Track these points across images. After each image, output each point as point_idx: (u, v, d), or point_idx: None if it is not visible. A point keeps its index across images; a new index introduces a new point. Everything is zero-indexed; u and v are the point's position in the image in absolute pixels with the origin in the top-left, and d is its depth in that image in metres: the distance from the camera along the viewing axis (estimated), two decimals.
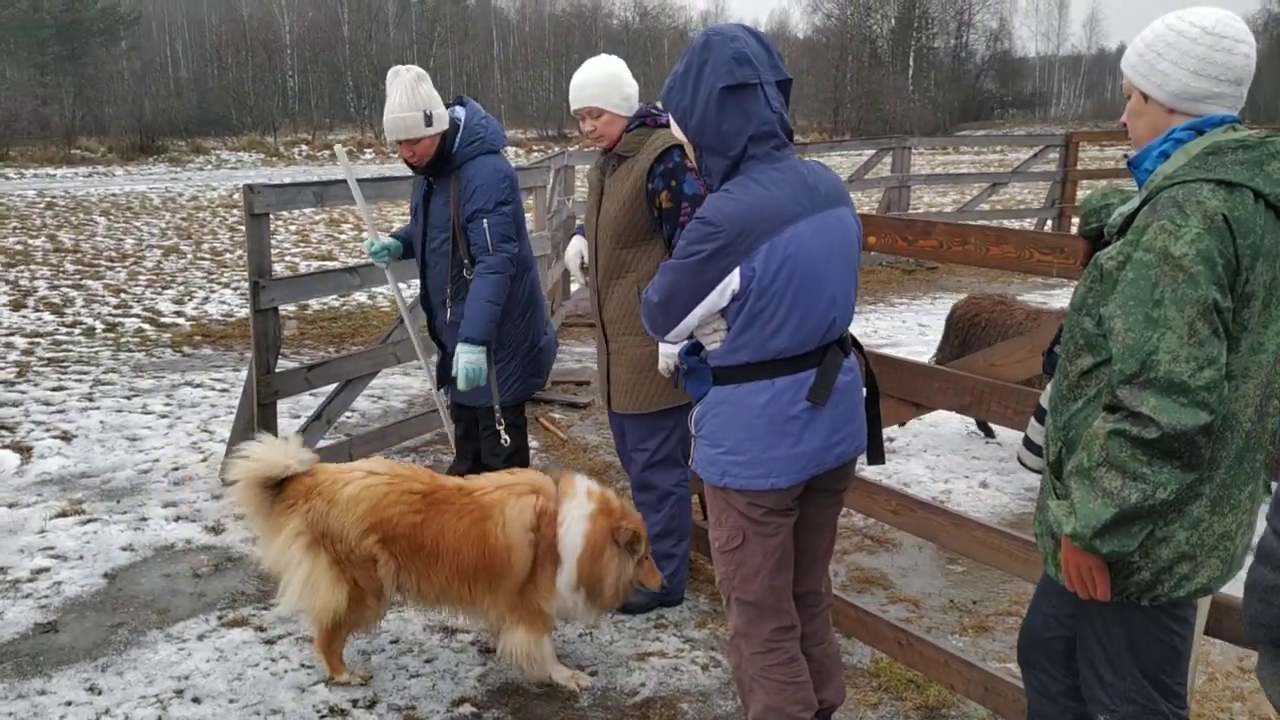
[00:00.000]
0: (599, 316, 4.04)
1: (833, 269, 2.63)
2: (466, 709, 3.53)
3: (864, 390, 2.87)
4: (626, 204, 3.85)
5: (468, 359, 4.09)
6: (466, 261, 4.20)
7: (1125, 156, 2.34)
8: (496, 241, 4.15)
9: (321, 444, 5.69)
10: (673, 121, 2.72)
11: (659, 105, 3.91)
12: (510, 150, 35.73)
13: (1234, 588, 3.66)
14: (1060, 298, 10.27)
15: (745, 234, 2.53)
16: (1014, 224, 13.72)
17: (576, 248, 4.17)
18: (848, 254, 2.69)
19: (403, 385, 7.59)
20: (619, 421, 4.17)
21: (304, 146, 35.55)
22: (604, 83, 3.87)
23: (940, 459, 6.06)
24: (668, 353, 3.73)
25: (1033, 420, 2.61)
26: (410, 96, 4.07)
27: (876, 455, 2.94)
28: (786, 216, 2.56)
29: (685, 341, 2.76)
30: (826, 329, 2.64)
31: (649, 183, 3.81)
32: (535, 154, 32.21)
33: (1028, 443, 2.61)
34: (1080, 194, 13.07)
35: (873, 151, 13.44)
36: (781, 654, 2.87)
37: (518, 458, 4.30)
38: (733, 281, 2.55)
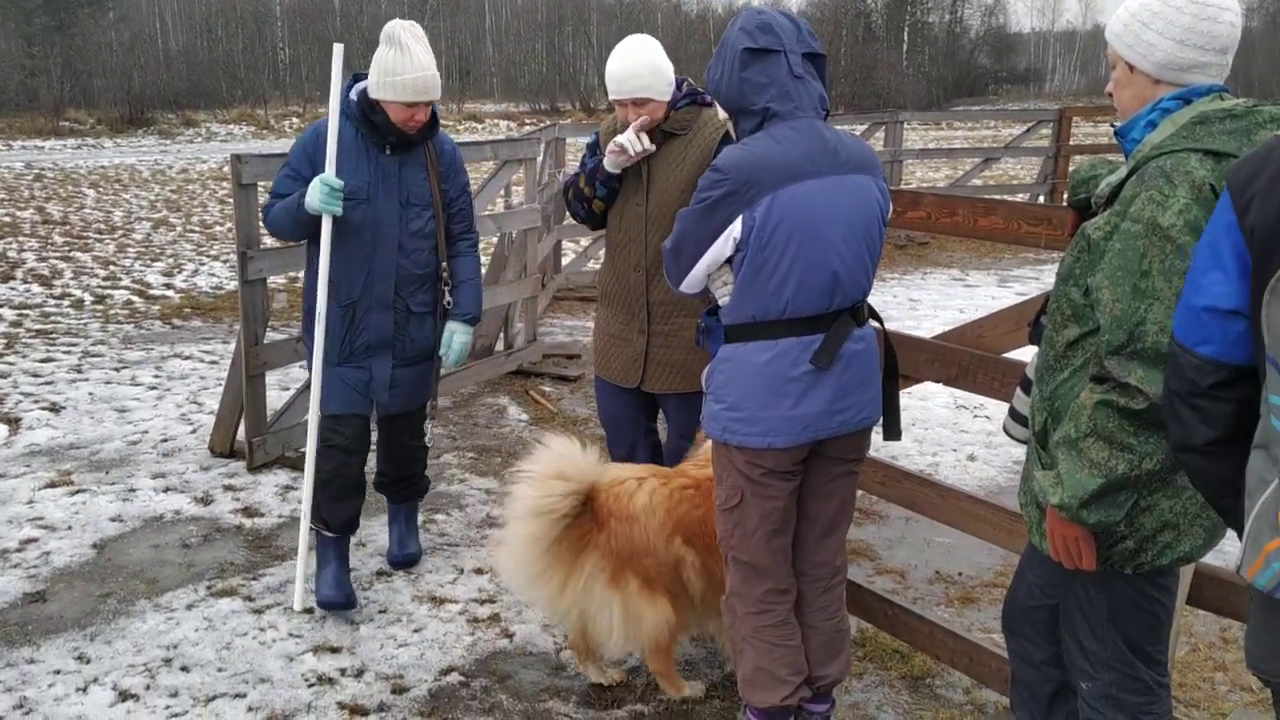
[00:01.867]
0: (645, 299, 3.79)
1: (838, 231, 2.65)
2: (454, 678, 3.54)
3: (881, 364, 2.89)
4: (690, 183, 3.54)
5: (467, 339, 4.02)
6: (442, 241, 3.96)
7: (1112, 126, 2.34)
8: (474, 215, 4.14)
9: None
10: (719, 109, 2.82)
11: (691, 81, 3.80)
12: (502, 123, 35.66)
13: (1216, 557, 3.69)
14: (1051, 270, 10.28)
15: (750, 183, 2.59)
16: (1006, 199, 13.71)
17: (628, 133, 3.68)
18: (861, 220, 2.70)
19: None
20: (631, 401, 3.94)
21: (295, 119, 35.28)
22: (651, 71, 3.59)
23: (929, 432, 6.08)
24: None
25: (1018, 391, 2.61)
26: (431, 54, 3.72)
27: (892, 431, 2.97)
28: (795, 172, 2.61)
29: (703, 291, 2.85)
30: (833, 293, 2.67)
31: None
32: (528, 127, 32.04)
33: (1013, 413, 2.62)
34: (1072, 168, 13.05)
35: (865, 126, 13.40)
36: (773, 616, 2.91)
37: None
38: (735, 229, 2.63)
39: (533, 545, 3.18)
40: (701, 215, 2.66)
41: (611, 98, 3.67)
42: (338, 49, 3.78)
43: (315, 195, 3.63)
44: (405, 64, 3.63)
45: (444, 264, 3.97)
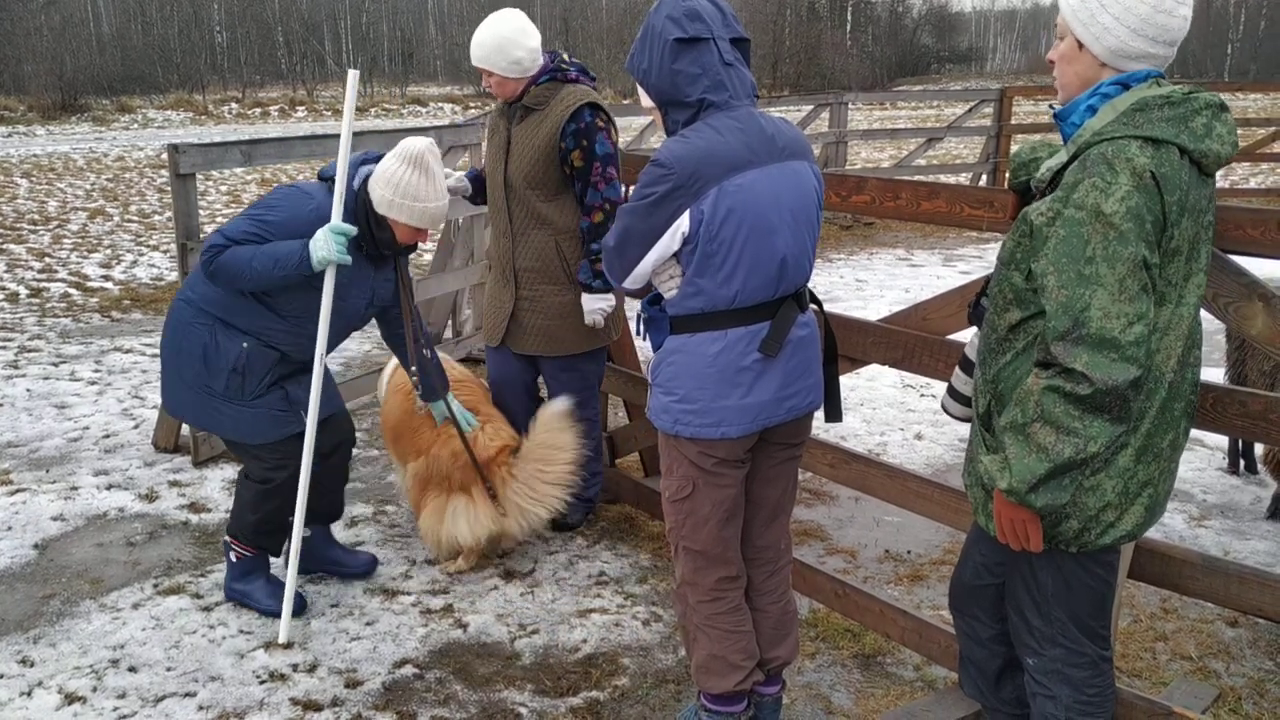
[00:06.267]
0: (511, 264, 4.13)
1: (784, 219, 2.64)
2: (408, 670, 3.53)
3: (821, 347, 2.90)
4: (540, 159, 3.95)
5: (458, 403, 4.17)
6: None
7: (1051, 107, 2.36)
8: None
9: None
10: (641, 94, 2.74)
11: (566, 57, 4.08)
12: (446, 107, 35.27)
13: (1156, 531, 3.77)
14: (994, 249, 10.43)
15: (695, 176, 2.56)
16: (950, 179, 13.85)
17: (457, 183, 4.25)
18: (803, 207, 2.70)
19: (339, 347, 7.48)
20: (507, 362, 4.31)
21: (234, 105, 34.65)
22: (491, 47, 3.92)
23: (876, 412, 6.14)
24: (595, 307, 4.03)
25: (957, 370, 2.66)
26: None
27: (834, 413, 2.98)
28: (738, 163, 2.58)
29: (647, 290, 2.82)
30: (779, 280, 2.66)
31: (561, 141, 3.92)
32: (472, 110, 31.76)
33: (952, 391, 2.67)
34: (1014, 148, 13.14)
35: (810, 107, 13.44)
36: (726, 603, 2.92)
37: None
38: (683, 224, 2.58)
39: None
40: (646, 211, 2.60)
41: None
42: (353, 75, 3.41)
43: (330, 247, 3.35)
44: (430, 192, 3.49)
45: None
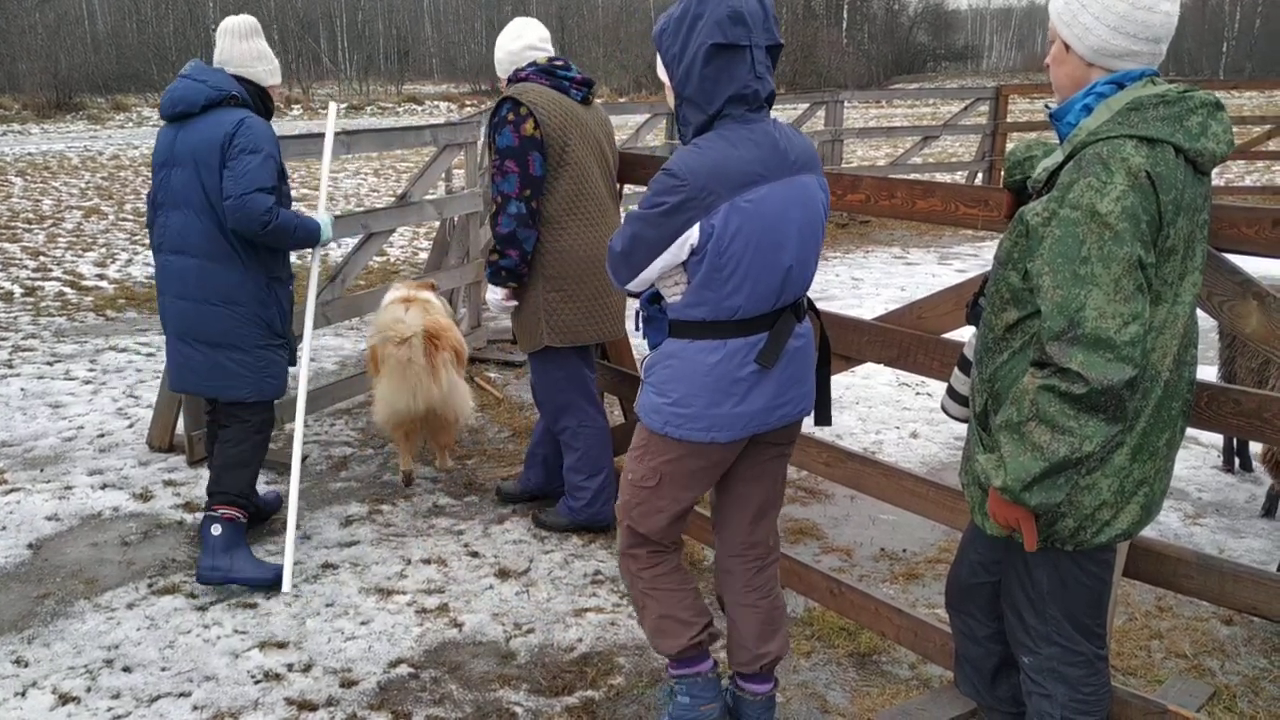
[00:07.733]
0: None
1: (791, 234, 2.63)
2: (403, 669, 3.52)
3: (815, 353, 2.90)
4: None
5: None
6: None
7: (1047, 108, 2.37)
8: None
9: None
10: (660, 66, 2.69)
11: (535, 61, 4.17)
12: (442, 105, 35.23)
13: (1151, 529, 3.77)
14: (989, 247, 10.42)
15: (707, 190, 2.53)
16: (946, 177, 13.84)
17: None
18: (810, 221, 2.69)
19: (334, 346, 7.49)
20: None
21: None
22: (495, 53, 4.31)
23: (872, 410, 6.14)
24: (489, 298, 4.18)
25: (956, 370, 2.65)
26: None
27: (824, 417, 2.98)
28: (750, 177, 2.57)
29: (647, 289, 2.79)
30: (781, 293, 2.66)
31: (488, 137, 4.11)
32: (468, 108, 31.72)
33: (951, 392, 2.67)
34: (1009, 147, 13.12)
35: (806, 105, 13.43)
36: (666, 564, 2.99)
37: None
38: (692, 236, 2.57)
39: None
40: (656, 220, 2.57)
41: None
42: (334, 108, 4.36)
43: (332, 229, 4.24)
44: (272, 50, 4.16)
45: None
